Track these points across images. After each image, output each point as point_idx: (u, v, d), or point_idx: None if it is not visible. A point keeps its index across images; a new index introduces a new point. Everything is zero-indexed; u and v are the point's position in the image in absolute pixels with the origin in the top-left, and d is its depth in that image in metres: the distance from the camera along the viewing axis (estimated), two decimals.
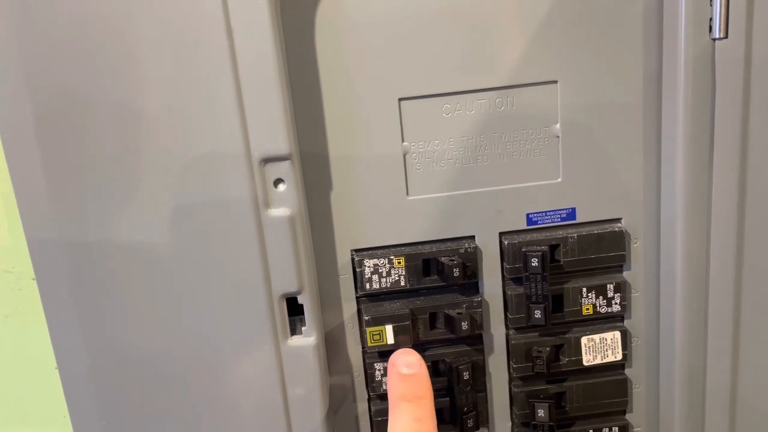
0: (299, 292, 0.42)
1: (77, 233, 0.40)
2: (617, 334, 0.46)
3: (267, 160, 0.39)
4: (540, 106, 0.43)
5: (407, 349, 0.41)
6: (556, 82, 0.42)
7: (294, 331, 0.43)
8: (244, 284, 0.41)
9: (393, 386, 0.39)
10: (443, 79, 0.42)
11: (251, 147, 0.39)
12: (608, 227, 0.45)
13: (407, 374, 0.38)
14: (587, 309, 0.45)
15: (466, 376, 0.44)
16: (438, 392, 0.46)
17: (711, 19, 0.39)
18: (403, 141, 0.43)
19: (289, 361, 0.43)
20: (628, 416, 0.48)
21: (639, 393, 0.48)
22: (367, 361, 0.45)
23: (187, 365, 0.42)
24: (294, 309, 0.43)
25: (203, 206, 0.40)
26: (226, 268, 0.41)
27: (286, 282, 0.41)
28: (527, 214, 0.44)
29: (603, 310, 0.46)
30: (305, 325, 0.43)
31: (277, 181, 0.40)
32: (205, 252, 0.40)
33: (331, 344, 0.45)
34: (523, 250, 0.44)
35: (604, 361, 0.46)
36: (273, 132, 0.39)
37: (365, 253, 0.44)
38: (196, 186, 0.39)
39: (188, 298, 0.41)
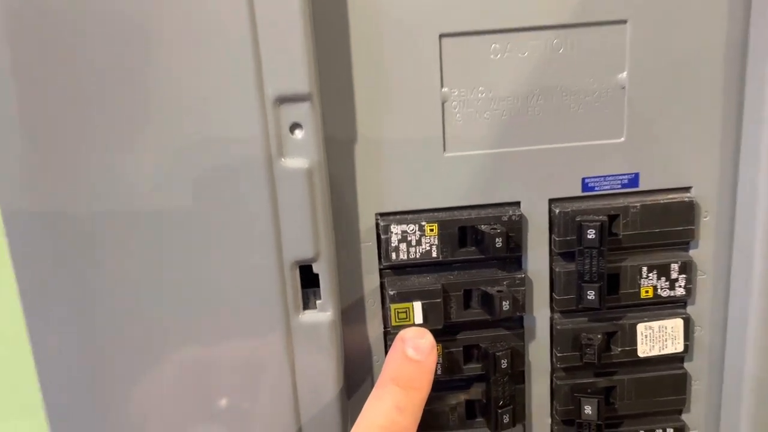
0: (315, 260, 0.36)
1: (60, 198, 0.34)
2: (679, 321, 0.40)
3: (283, 100, 0.33)
4: (605, 50, 0.36)
5: (422, 329, 0.36)
6: (625, 21, 0.36)
7: (307, 305, 0.37)
8: (250, 247, 0.35)
9: (390, 364, 0.35)
10: (493, 13, 0.35)
11: (264, 82, 0.33)
12: (676, 197, 0.38)
13: (412, 358, 0.34)
14: (646, 291, 0.39)
15: (504, 364, 0.38)
16: (470, 382, 0.40)
17: None
18: (442, 86, 0.36)
19: (300, 338, 0.37)
20: (684, 416, 0.42)
21: (698, 390, 0.42)
22: (389, 343, 0.39)
23: (183, 340, 0.36)
24: (307, 280, 0.37)
25: (203, 154, 0.34)
26: (230, 228, 0.35)
27: (300, 247, 0.35)
28: (583, 179, 0.38)
29: (665, 294, 0.39)
30: (320, 299, 0.37)
31: (294, 126, 0.34)
32: (205, 209, 0.34)
33: (349, 322, 0.39)
34: (578, 219, 0.37)
35: (662, 352, 0.40)
36: (291, 64, 0.32)
37: (392, 217, 0.38)
38: (195, 128, 0.33)
39: (185, 261, 0.35)
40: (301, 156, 0.34)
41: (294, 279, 0.36)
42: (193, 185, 0.34)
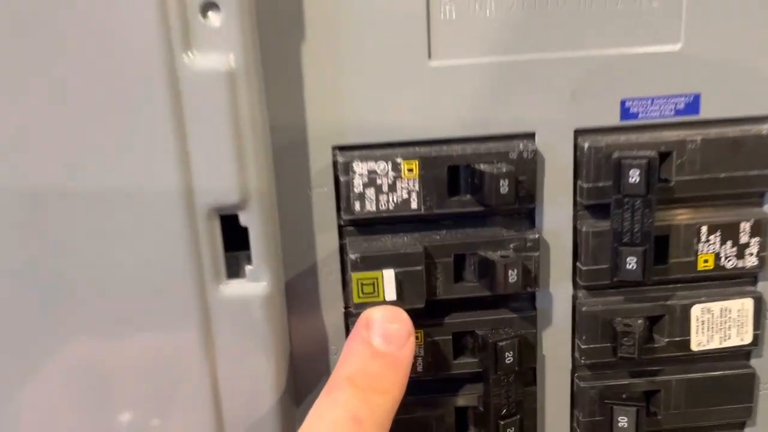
0: (241, 207, 0.25)
1: None
2: (748, 302, 0.30)
3: None
4: None
5: (395, 309, 0.28)
6: None
7: (234, 272, 0.27)
8: (145, 187, 0.25)
9: (348, 357, 0.27)
10: None
11: None
12: (749, 129, 0.29)
13: (379, 349, 0.26)
14: (705, 261, 0.30)
15: (509, 358, 0.29)
16: (462, 383, 0.31)
17: None
18: None
19: (223, 320, 0.27)
20: (748, 431, 0.33)
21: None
22: (351, 327, 0.29)
23: (59, 333, 0.26)
24: (235, 238, 0.26)
25: (76, 46, 0.23)
26: (116, 161, 0.24)
27: (219, 187, 0.25)
28: (622, 102, 0.28)
29: (729, 264, 0.30)
30: (252, 264, 0.26)
31: (207, 6, 0.23)
32: (78, 133, 0.24)
33: (296, 299, 0.29)
34: (615, 156, 0.27)
35: (724, 345, 0.31)
36: None
37: (356, 152, 0.28)
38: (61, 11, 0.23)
39: (52, 214, 0.24)
40: (217, 51, 0.24)
41: (212, 233, 0.26)
42: (64, 97, 0.23)
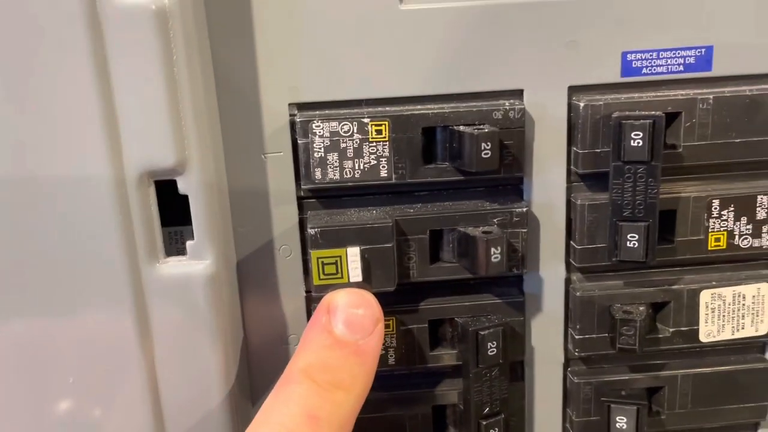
0: (180, 171, 0.22)
1: None
2: (764, 288, 0.27)
3: None
4: None
5: (361, 292, 0.24)
6: None
7: (175, 249, 0.24)
8: (65, 147, 0.21)
9: (306, 346, 0.24)
10: None
11: None
12: None
13: (341, 338, 0.23)
14: (717, 240, 0.27)
15: (492, 349, 0.25)
16: (439, 378, 0.28)
17: None
18: None
19: (160, 301, 0.23)
20: None
21: None
22: (313, 312, 0.25)
23: None
24: (177, 213, 0.23)
25: None
26: (28, 113, 0.21)
27: (152, 147, 0.21)
28: (623, 54, 0.25)
29: (744, 243, 0.27)
30: (194, 239, 0.23)
31: None
32: None
33: (249, 281, 0.26)
34: (615, 116, 0.24)
35: (736, 336, 0.28)
36: None
37: (317, 112, 0.24)
38: None
39: None
40: None
41: (144, 203, 0.22)
42: None
